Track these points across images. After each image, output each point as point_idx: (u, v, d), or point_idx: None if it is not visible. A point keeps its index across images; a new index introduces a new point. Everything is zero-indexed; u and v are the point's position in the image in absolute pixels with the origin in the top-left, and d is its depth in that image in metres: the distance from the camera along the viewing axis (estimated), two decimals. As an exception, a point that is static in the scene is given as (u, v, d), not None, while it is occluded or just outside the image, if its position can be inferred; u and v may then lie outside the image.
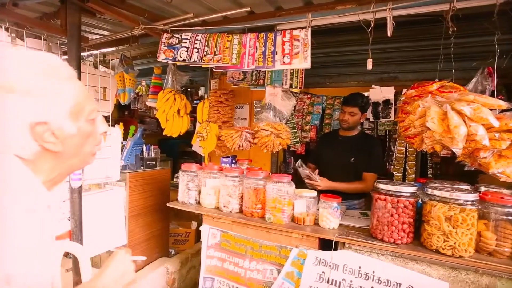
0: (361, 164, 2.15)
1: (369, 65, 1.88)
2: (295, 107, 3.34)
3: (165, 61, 2.02)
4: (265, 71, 2.85)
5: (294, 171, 3.83)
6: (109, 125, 2.39)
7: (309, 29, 1.76)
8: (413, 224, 1.42)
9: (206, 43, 1.88)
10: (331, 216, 1.61)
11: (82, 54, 2.16)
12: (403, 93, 1.85)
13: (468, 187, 1.48)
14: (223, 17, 2.06)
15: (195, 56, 1.89)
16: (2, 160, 0.59)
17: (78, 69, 1.83)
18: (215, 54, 1.84)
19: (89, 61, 2.73)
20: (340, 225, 1.65)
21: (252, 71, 2.92)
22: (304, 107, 3.33)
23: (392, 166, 3.15)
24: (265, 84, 2.65)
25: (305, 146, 3.46)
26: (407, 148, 3.12)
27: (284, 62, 1.72)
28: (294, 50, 1.69)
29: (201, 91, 4.07)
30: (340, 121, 2.25)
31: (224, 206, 1.89)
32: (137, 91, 3.58)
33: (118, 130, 2.35)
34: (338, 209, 1.61)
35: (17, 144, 0.59)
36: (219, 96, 3.08)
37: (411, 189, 1.41)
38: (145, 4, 1.99)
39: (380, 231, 1.43)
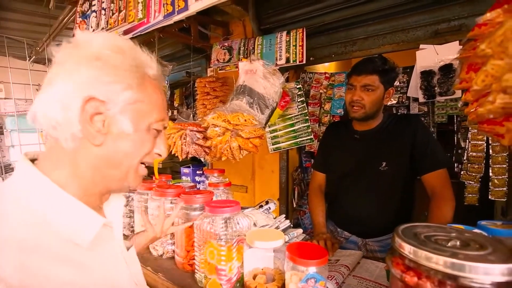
0: (401, 167, 1.28)
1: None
2: (308, 92, 2.46)
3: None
4: (253, 44, 2.08)
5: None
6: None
7: None
8: None
9: (112, -2, 1.22)
10: (304, 293, 0.78)
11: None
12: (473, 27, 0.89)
13: None
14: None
15: (103, 22, 1.25)
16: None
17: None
18: (119, 12, 1.16)
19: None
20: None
21: (239, 47, 2.17)
22: (320, 91, 2.41)
23: (463, 172, 2.01)
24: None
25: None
26: (490, 141, 1.94)
27: (201, -6, 0.93)
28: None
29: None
30: (348, 106, 1.34)
31: (153, 248, 1.21)
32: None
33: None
34: (318, 281, 0.77)
35: (62, 121, 0.46)
36: (204, 85, 2.42)
37: (502, 268, 0.50)
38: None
39: None
